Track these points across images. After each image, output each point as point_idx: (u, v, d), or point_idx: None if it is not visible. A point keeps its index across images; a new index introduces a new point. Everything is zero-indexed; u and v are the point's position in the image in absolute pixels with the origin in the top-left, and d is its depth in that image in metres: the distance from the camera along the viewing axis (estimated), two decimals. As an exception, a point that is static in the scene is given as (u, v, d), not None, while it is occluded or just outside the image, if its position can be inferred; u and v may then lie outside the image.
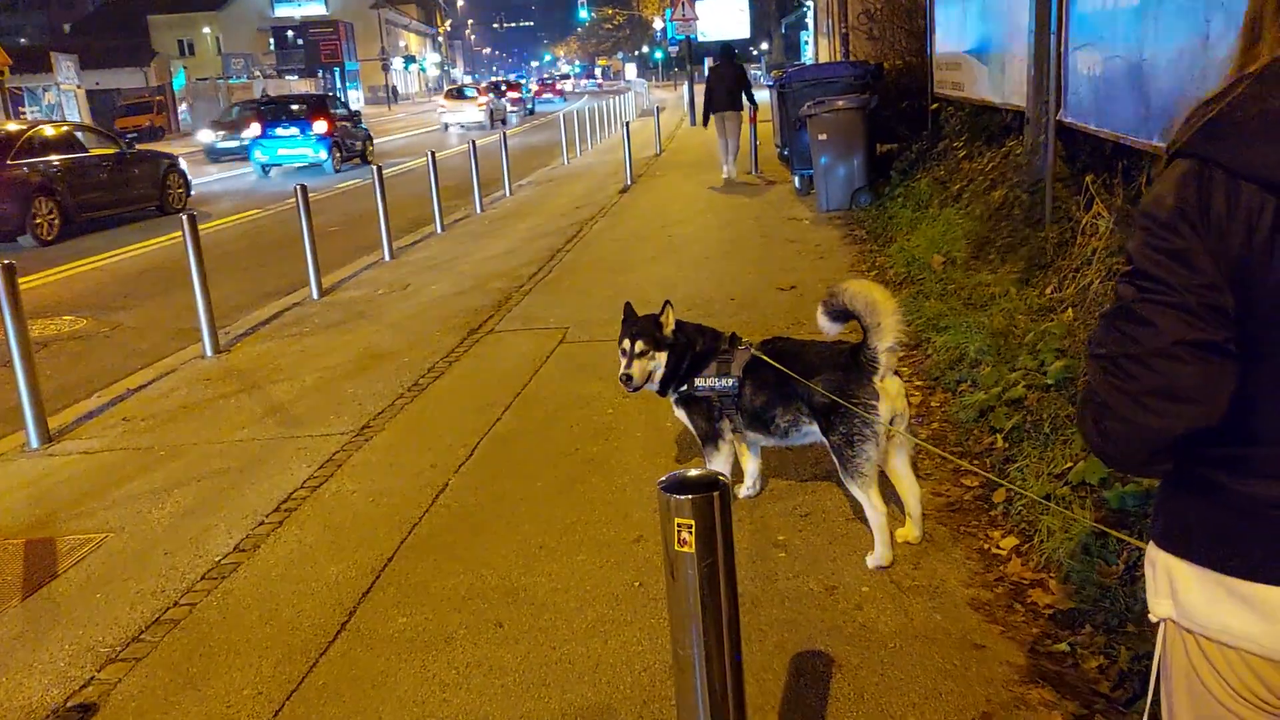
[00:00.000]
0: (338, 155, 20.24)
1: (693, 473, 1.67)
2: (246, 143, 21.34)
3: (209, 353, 6.57)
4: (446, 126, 33.34)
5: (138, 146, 15.79)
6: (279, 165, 20.46)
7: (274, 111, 20.58)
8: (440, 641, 3.02)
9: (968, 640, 2.83)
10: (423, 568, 3.49)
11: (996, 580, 3.16)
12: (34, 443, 5.08)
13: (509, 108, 38.09)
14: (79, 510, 4.23)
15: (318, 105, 20.70)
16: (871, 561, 3.26)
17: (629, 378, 3.48)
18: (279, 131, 19.96)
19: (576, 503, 3.93)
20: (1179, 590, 1.25)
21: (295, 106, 20.72)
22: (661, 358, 3.50)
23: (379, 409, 5.22)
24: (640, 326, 3.51)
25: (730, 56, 13.65)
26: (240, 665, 2.98)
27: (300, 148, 19.94)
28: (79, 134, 14.63)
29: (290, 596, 3.36)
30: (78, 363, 6.93)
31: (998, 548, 3.36)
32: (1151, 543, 1.30)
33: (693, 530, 1.55)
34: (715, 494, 1.60)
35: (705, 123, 13.59)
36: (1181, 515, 1.26)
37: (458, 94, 36.05)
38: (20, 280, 5.20)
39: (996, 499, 3.68)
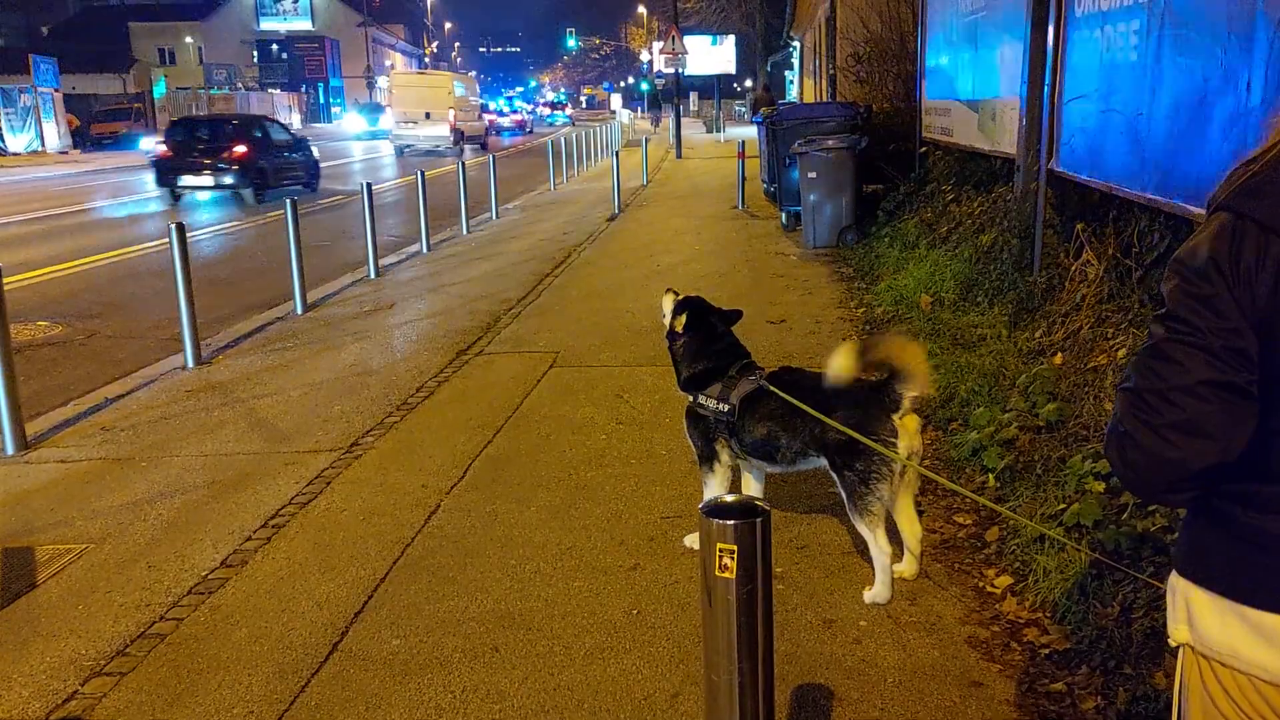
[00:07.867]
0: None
1: (730, 499, 1.67)
2: None
3: (190, 364, 6.48)
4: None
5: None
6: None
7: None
8: (435, 665, 2.98)
9: (967, 677, 2.84)
10: (416, 589, 3.45)
11: (992, 619, 3.17)
12: (9, 449, 4.97)
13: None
14: (57, 519, 4.13)
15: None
16: (869, 597, 3.25)
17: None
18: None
19: (571, 528, 3.90)
20: (1195, 616, 1.30)
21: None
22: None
23: (368, 427, 5.17)
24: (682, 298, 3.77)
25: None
26: (230, 683, 2.91)
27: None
28: None
29: (280, 614, 3.30)
30: (54, 369, 6.80)
31: (992, 586, 3.37)
32: (1173, 570, 1.36)
33: (734, 555, 1.55)
34: (758, 520, 1.60)
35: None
36: (1199, 544, 1.31)
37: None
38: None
39: (989, 537, 3.70)
